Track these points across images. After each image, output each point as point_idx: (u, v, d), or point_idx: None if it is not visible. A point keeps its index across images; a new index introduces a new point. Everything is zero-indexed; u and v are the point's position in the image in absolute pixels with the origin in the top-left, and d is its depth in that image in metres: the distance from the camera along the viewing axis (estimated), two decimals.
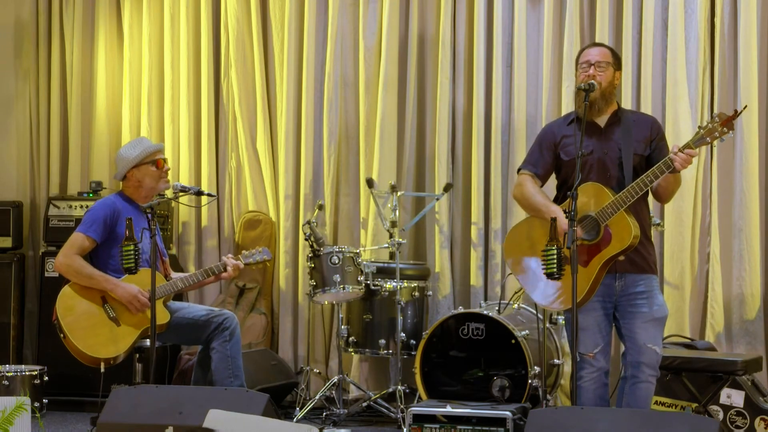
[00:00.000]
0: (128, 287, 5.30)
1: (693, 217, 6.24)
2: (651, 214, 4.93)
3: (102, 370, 5.28)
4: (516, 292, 5.99)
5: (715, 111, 6.15)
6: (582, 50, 4.88)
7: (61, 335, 5.32)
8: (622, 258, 4.62)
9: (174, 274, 5.66)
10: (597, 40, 6.37)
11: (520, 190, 4.89)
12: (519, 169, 4.97)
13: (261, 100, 7.09)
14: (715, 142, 4.49)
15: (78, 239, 5.42)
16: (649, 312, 4.64)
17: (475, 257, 6.60)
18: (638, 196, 4.53)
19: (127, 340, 5.30)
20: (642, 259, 4.68)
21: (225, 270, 5.48)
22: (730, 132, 4.42)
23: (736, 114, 4.42)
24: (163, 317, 5.31)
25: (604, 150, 4.71)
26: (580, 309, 4.58)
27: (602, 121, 4.77)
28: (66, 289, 5.39)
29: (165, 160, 5.60)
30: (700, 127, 4.48)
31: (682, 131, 6.12)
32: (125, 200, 5.54)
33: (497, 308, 5.76)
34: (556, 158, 4.84)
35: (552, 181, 4.99)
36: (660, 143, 4.74)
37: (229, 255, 5.58)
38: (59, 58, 7.42)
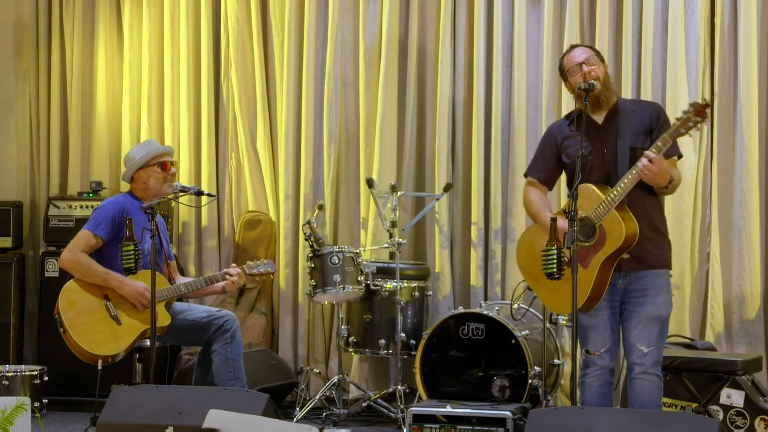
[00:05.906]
0: (135, 284, 5.30)
1: (693, 217, 6.24)
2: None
3: (99, 367, 5.27)
4: (515, 292, 5.97)
5: (716, 111, 6.18)
6: (564, 57, 4.79)
7: (61, 330, 5.31)
8: (626, 256, 4.60)
9: (179, 279, 5.65)
10: (597, 40, 6.39)
11: (523, 198, 4.95)
12: (525, 174, 4.98)
13: (261, 100, 7.09)
14: (691, 132, 4.42)
15: (85, 236, 5.41)
16: (640, 310, 4.62)
17: (475, 257, 6.60)
18: (624, 196, 4.51)
19: (127, 340, 5.30)
20: (648, 254, 4.64)
21: (225, 278, 5.47)
22: (704, 122, 4.38)
23: (707, 104, 4.35)
24: (164, 320, 5.31)
25: (602, 149, 4.68)
26: (590, 310, 4.62)
27: (601, 117, 4.73)
28: (70, 284, 5.38)
29: (172, 163, 5.60)
30: (677, 119, 4.43)
31: None
32: (135, 200, 5.53)
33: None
34: (559, 160, 4.83)
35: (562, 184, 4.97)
36: (662, 130, 4.55)
37: (233, 265, 5.57)
38: (59, 58, 7.42)
